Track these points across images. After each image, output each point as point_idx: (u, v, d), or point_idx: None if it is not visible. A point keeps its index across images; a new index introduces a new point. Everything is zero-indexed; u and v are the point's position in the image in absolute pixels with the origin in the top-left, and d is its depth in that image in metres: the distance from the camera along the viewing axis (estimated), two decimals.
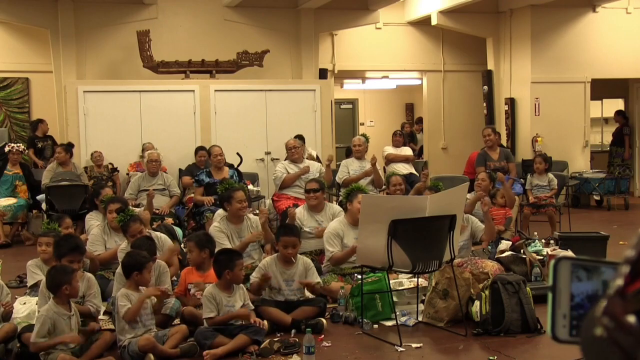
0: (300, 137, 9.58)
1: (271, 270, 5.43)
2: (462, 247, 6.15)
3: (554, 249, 6.61)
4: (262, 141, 11.07)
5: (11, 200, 9.60)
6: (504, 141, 12.47)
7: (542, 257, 6.37)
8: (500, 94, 13.10)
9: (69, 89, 10.55)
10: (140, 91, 10.72)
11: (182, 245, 6.53)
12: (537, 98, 12.43)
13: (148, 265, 4.81)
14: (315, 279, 5.57)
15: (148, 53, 10.82)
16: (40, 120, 10.96)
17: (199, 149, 9.88)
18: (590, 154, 12.83)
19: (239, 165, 9.47)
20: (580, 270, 0.97)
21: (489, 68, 13.27)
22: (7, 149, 9.96)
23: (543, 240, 7.03)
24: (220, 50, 11.35)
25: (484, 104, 13.41)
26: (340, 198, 8.31)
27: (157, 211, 8.07)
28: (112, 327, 4.89)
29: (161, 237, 6.06)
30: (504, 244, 6.86)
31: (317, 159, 9.94)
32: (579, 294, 0.97)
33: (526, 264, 6.20)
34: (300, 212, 6.89)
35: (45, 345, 4.36)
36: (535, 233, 7.40)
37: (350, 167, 9.37)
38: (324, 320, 5.21)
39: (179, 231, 7.42)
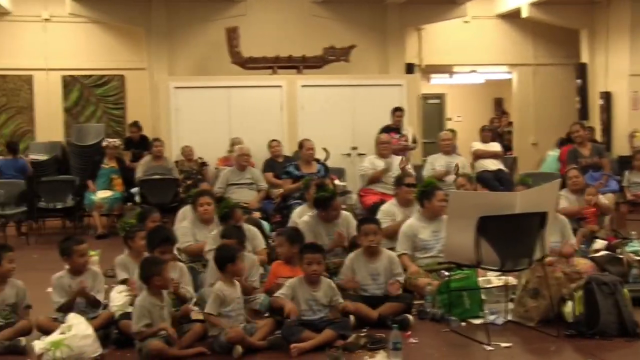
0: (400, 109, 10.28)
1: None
2: (551, 248, 5.98)
3: None
4: (349, 136, 11.10)
5: (107, 193, 9.97)
6: (598, 137, 12.08)
7: None
8: (594, 88, 12.71)
9: (160, 85, 10.88)
10: (228, 87, 10.95)
11: (270, 240, 6.60)
12: (635, 92, 11.96)
13: (240, 255, 4.90)
14: (399, 273, 5.52)
15: (236, 49, 11.03)
16: (133, 127, 11.24)
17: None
18: None
19: (325, 160, 9.50)
20: None
21: (582, 61, 12.88)
22: (104, 143, 10.36)
23: None
24: (307, 46, 11.43)
25: (577, 98, 13.02)
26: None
27: (246, 205, 8.19)
28: (202, 318, 5.00)
29: (251, 230, 6.15)
30: (599, 243, 6.64)
31: (414, 139, 10.42)
32: None
33: (623, 264, 5.97)
34: (389, 207, 6.86)
35: (149, 333, 4.52)
36: (633, 232, 7.10)
37: (436, 163, 9.27)
38: (410, 317, 5.17)
39: (266, 225, 7.51)
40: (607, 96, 12.39)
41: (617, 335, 4.78)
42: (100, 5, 11.50)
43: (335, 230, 6.31)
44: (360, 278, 5.44)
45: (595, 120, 12.60)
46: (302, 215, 6.69)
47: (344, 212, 6.60)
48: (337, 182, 8.90)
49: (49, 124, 12.32)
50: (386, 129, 10.08)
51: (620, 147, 12.00)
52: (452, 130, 13.01)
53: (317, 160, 9.01)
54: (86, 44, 12.44)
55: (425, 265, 6.02)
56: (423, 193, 6.29)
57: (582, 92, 12.90)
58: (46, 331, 4.76)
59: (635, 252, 6.22)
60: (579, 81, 12.94)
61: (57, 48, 12.28)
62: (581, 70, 12.88)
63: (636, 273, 5.83)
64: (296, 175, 8.40)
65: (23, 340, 4.74)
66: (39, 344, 4.50)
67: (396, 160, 8.71)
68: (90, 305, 5.04)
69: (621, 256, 6.07)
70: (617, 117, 12.30)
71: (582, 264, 5.85)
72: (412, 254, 6.08)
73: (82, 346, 4.47)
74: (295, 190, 8.23)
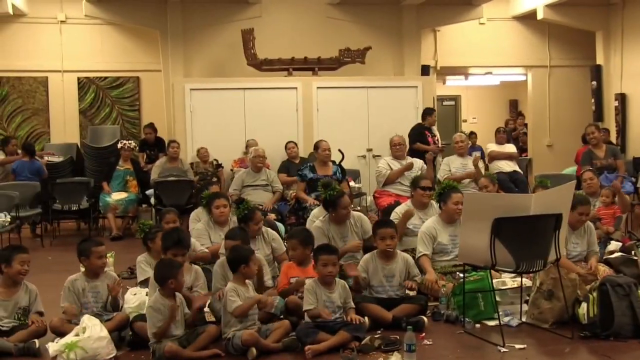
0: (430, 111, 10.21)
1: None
2: (575, 256, 5.96)
3: None
4: (364, 138, 11.11)
5: (122, 195, 10.02)
6: (613, 138, 12.00)
7: None
8: (610, 90, 12.63)
9: (176, 87, 10.93)
10: (244, 88, 10.98)
11: (284, 242, 6.61)
12: None
13: (253, 258, 4.92)
14: (416, 274, 5.54)
15: (252, 51, 11.05)
16: (148, 128, 11.28)
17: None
18: None
19: (340, 162, 9.50)
20: None
21: (598, 63, 12.81)
22: (119, 145, 10.42)
23: None
24: (323, 48, 11.44)
25: (592, 100, 12.95)
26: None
27: (261, 207, 8.19)
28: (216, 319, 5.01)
29: (269, 232, 6.19)
30: (614, 245, 6.61)
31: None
32: None
33: (637, 266, 5.93)
34: (403, 209, 6.85)
35: (162, 331, 4.56)
36: None
37: (452, 165, 9.26)
38: (425, 319, 5.17)
39: (281, 227, 7.51)
40: (622, 98, 12.31)
41: (632, 336, 4.75)
42: (116, 7, 11.57)
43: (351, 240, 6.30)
44: (375, 280, 5.45)
45: (610, 122, 12.52)
46: (319, 216, 6.70)
47: (355, 213, 6.59)
48: (352, 183, 8.90)
49: (64, 126, 12.41)
50: (420, 127, 10.10)
51: (636, 148, 11.92)
52: (472, 133, 13.04)
53: (333, 162, 9.01)
54: (102, 46, 12.52)
55: (440, 268, 6.02)
56: (440, 195, 6.32)
57: (597, 93, 12.83)
58: (60, 333, 4.79)
59: None
60: (594, 83, 12.87)
61: (72, 50, 12.37)
62: (596, 72, 12.81)
63: None
64: (310, 178, 8.31)
65: (37, 342, 4.76)
66: (53, 346, 4.53)
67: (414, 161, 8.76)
68: (112, 307, 5.10)
69: (636, 258, 6.04)
70: (632, 118, 12.21)
71: (602, 270, 5.82)
72: (431, 256, 6.08)
73: (96, 348, 4.50)
74: (304, 200, 8.14)
